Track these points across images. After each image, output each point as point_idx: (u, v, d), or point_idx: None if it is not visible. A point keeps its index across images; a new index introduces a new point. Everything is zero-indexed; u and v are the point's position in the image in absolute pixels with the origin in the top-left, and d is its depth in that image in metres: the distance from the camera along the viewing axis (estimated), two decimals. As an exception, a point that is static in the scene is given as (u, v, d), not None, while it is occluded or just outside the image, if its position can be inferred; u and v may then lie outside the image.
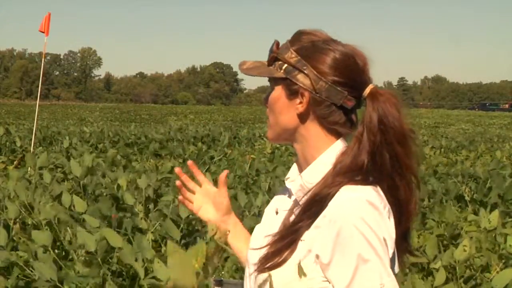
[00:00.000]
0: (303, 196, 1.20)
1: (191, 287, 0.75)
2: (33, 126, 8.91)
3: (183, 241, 3.19)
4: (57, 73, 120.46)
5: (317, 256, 1.11)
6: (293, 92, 1.22)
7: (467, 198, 4.97)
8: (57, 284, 2.69)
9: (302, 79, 1.21)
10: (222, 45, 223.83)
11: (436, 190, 5.39)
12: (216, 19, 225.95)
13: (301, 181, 1.23)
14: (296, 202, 1.23)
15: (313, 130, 1.22)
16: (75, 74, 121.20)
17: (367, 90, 1.24)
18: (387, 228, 1.10)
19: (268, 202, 1.43)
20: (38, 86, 7.99)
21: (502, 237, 3.50)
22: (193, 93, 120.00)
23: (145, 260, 2.87)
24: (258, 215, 3.71)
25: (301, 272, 0.97)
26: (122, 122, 25.58)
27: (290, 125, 1.24)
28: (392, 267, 1.12)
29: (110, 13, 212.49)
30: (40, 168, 6.05)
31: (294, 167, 1.31)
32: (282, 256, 1.14)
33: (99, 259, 2.78)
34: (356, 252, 1.06)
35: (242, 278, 1.34)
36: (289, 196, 1.28)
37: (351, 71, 1.22)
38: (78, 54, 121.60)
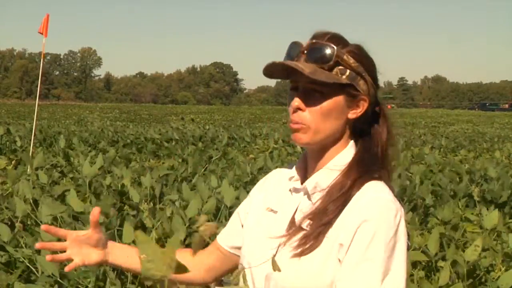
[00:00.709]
0: (318, 195, 1.22)
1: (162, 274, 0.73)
2: (32, 126, 8.91)
3: (187, 241, 3.19)
4: (57, 73, 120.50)
5: (340, 245, 1.13)
6: (353, 99, 1.21)
7: (476, 198, 4.96)
8: (58, 280, 2.70)
9: (362, 86, 1.21)
10: (222, 45, 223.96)
11: (444, 188, 5.39)
12: (216, 19, 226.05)
13: (317, 178, 1.23)
14: (309, 199, 1.24)
15: (348, 133, 1.26)
16: (75, 74, 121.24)
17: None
18: (405, 230, 1.16)
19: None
20: (37, 86, 7.99)
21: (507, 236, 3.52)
22: (193, 93, 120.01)
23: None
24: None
25: (275, 266, 0.99)
26: (122, 122, 25.59)
27: (339, 130, 1.23)
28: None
29: (110, 13, 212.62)
30: (37, 168, 6.06)
31: (297, 167, 1.31)
32: (306, 246, 1.15)
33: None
34: (377, 255, 1.10)
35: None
36: (292, 195, 1.27)
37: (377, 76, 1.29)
38: (78, 54, 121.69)
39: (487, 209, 4.81)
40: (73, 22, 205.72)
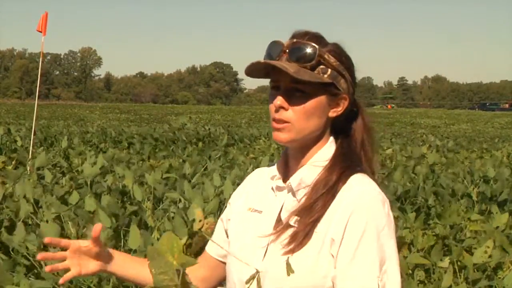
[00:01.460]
0: (302, 191, 1.23)
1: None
2: (32, 125, 8.90)
3: (188, 241, 3.18)
4: (57, 72, 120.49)
5: (332, 240, 1.15)
6: (334, 97, 1.22)
7: (474, 198, 4.96)
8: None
9: (343, 84, 1.23)
10: (222, 45, 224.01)
11: (444, 188, 5.39)
12: (216, 19, 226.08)
13: (301, 175, 1.24)
14: (293, 196, 1.24)
15: (328, 131, 1.27)
16: (75, 73, 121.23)
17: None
18: (393, 220, 1.19)
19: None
20: (37, 86, 7.98)
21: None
22: (193, 93, 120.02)
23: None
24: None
25: (289, 269, 0.99)
26: (122, 121, 25.58)
27: (320, 128, 1.24)
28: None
29: (110, 13, 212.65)
30: (38, 168, 6.05)
31: (277, 166, 1.31)
32: (297, 242, 1.16)
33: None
34: (371, 246, 1.12)
35: None
36: (275, 194, 1.28)
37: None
38: (78, 54, 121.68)
39: (487, 209, 4.80)
40: (73, 22, 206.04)
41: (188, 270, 1.38)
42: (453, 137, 19.49)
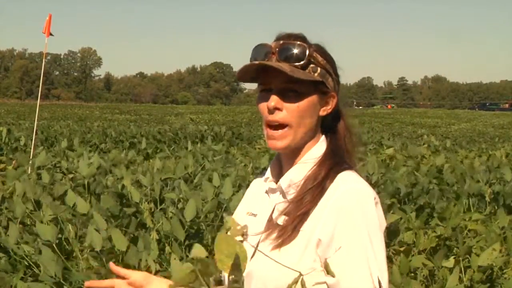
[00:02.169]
0: (293, 191, 1.23)
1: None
2: (33, 126, 8.90)
3: (187, 242, 3.17)
4: (57, 73, 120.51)
5: (319, 241, 1.15)
6: (324, 96, 1.24)
7: (487, 198, 4.94)
8: (61, 281, 2.68)
9: (331, 83, 1.25)
10: (222, 45, 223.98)
11: (449, 188, 5.37)
12: (216, 19, 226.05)
13: (291, 175, 1.25)
14: (284, 197, 1.25)
15: (318, 130, 1.28)
16: (75, 74, 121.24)
17: None
18: (383, 217, 1.19)
19: None
20: (38, 86, 8.02)
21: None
22: (193, 93, 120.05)
23: (148, 261, 2.86)
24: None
25: (331, 272, 1.00)
26: (122, 122, 25.57)
27: (312, 128, 1.25)
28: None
29: (110, 13, 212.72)
30: (39, 168, 6.05)
31: (271, 169, 1.32)
32: (284, 237, 1.17)
33: (104, 259, 2.78)
34: (360, 244, 1.12)
35: None
36: (269, 196, 1.30)
37: None
38: (78, 54, 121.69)
39: (485, 209, 4.79)
40: (73, 22, 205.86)
41: None
42: (453, 137, 19.49)
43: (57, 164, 7.22)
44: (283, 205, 1.24)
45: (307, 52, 1.19)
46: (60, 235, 3.31)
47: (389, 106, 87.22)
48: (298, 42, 1.21)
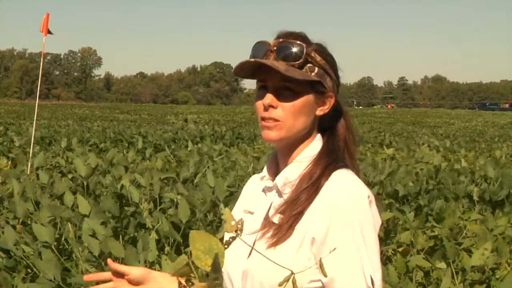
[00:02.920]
0: (288, 189, 1.24)
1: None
2: (33, 126, 8.89)
3: (185, 243, 3.16)
4: (57, 73, 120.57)
5: (313, 239, 1.15)
6: (321, 96, 1.24)
7: (475, 198, 4.94)
8: (61, 284, 2.67)
9: (329, 83, 1.24)
10: (222, 45, 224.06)
11: (446, 188, 5.37)
12: (217, 19, 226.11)
13: (286, 173, 1.26)
14: (280, 196, 1.26)
15: (315, 129, 1.28)
16: (75, 74, 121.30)
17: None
18: (378, 215, 1.19)
19: None
20: (38, 86, 7.98)
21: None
22: (193, 93, 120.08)
23: (147, 262, 2.86)
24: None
25: (324, 271, 1.00)
26: (122, 121, 25.57)
27: (308, 126, 1.25)
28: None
29: (110, 13, 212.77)
30: (37, 168, 6.04)
31: (268, 167, 1.33)
32: (279, 235, 1.17)
33: (102, 263, 2.78)
34: (353, 242, 1.12)
35: None
36: (266, 195, 1.30)
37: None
38: (78, 54, 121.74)
39: (484, 210, 4.78)
40: (73, 22, 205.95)
41: None
42: (453, 137, 19.48)
43: (56, 164, 7.22)
44: (279, 203, 1.24)
45: (305, 51, 1.20)
46: (59, 236, 3.30)
47: (389, 106, 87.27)
48: (297, 41, 1.21)
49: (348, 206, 1.14)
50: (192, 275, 0.77)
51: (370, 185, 5.01)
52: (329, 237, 1.13)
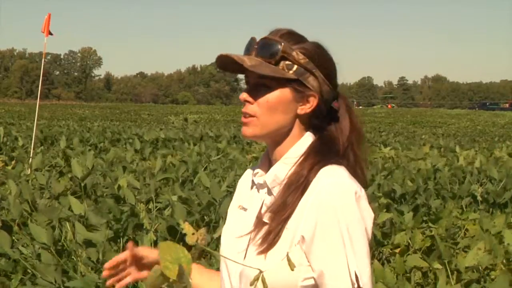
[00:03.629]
0: (278, 187, 1.24)
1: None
2: (33, 125, 8.90)
3: (181, 243, 3.17)
4: (57, 72, 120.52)
5: (302, 238, 1.15)
6: (301, 94, 1.22)
7: (479, 198, 4.94)
8: (61, 287, 2.67)
9: (312, 82, 1.23)
10: (223, 45, 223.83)
11: (444, 188, 5.37)
12: (217, 19, 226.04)
13: (275, 171, 1.25)
14: (269, 194, 1.26)
15: (301, 128, 1.27)
16: (75, 74, 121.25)
17: (339, 92, 1.31)
18: (368, 210, 1.17)
19: None
20: (38, 86, 7.98)
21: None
22: (193, 93, 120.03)
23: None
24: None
25: (291, 264, 1.00)
26: (122, 121, 25.58)
27: (287, 125, 1.24)
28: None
29: (111, 13, 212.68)
30: (37, 169, 6.03)
31: (260, 165, 1.33)
32: (271, 235, 1.17)
33: (101, 267, 2.78)
34: (339, 238, 1.12)
35: None
36: (258, 191, 1.30)
37: (336, 74, 1.29)
38: (78, 54, 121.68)
39: (489, 210, 4.78)
40: (73, 22, 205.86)
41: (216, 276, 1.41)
42: (453, 137, 19.48)
43: (56, 164, 7.22)
44: (269, 201, 1.24)
45: (281, 48, 1.20)
46: (58, 237, 3.29)
47: (389, 106, 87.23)
48: (275, 39, 1.21)
49: (333, 202, 1.13)
50: (165, 285, 0.79)
51: (367, 184, 5.00)
52: (317, 234, 1.13)
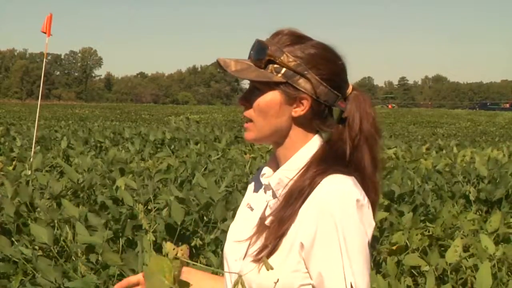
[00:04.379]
0: (282, 190, 1.23)
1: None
2: (33, 126, 8.91)
3: (179, 243, 3.17)
4: (58, 73, 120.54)
5: (302, 244, 1.14)
6: (292, 97, 1.20)
7: (471, 197, 4.94)
8: (61, 287, 2.68)
9: (303, 84, 1.20)
10: (223, 45, 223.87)
11: (441, 188, 5.38)
12: (217, 19, 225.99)
13: (280, 175, 1.24)
14: (274, 197, 1.25)
15: (301, 131, 1.24)
16: (76, 74, 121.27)
17: (349, 90, 1.28)
18: (369, 219, 1.16)
19: None
20: (39, 86, 8.02)
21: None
22: (193, 93, 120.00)
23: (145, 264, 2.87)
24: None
25: (268, 266, 1.00)
26: (122, 122, 25.58)
27: (283, 128, 1.23)
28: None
29: (111, 13, 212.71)
30: (37, 169, 6.04)
31: (268, 164, 1.33)
32: (268, 248, 1.16)
33: (101, 269, 2.79)
34: (336, 247, 1.11)
35: None
36: (265, 192, 1.30)
37: (342, 73, 1.26)
38: (79, 54, 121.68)
39: (481, 210, 4.79)
40: (73, 22, 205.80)
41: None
42: (454, 137, 19.47)
43: (56, 164, 7.23)
44: (274, 204, 1.24)
45: (267, 52, 1.19)
46: (57, 238, 3.30)
47: (389, 106, 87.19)
48: (265, 41, 1.21)
49: (333, 209, 1.11)
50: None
51: (377, 189, 4.97)
52: (316, 241, 1.12)
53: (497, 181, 5.84)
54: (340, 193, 1.13)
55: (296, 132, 1.24)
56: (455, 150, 11.19)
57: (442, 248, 3.52)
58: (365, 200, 1.15)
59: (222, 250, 1.39)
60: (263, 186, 1.30)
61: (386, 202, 4.50)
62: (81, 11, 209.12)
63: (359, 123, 1.23)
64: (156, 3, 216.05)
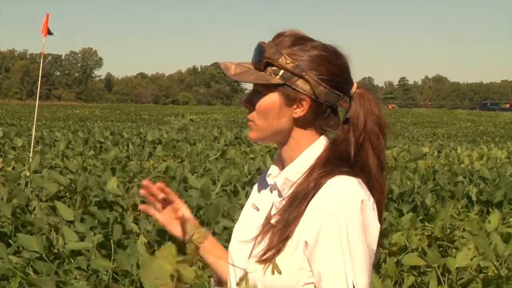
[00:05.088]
0: (288, 190, 1.24)
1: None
2: (33, 126, 8.90)
3: (175, 244, 3.15)
4: (58, 73, 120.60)
5: (306, 243, 1.15)
6: (291, 98, 1.22)
7: (474, 198, 4.93)
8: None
9: (302, 85, 1.21)
10: (223, 45, 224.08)
11: (443, 188, 5.36)
12: (217, 19, 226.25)
13: (286, 175, 1.25)
14: (280, 196, 1.26)
15: (304, 131, 1.26)
16: (76, 74, 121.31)
17: (353, 89, 1.27)
18: (374, 220, 1.16)
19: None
20: (38, 87, 7.99)
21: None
22: (193, 93, 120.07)
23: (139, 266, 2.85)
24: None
25: (277, 270, 0.99)
26: (123, 122, 25.58)
27: (284, 128, 1.25)
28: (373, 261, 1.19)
29: (111, 13, 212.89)
30: (36, 170, 6.02)
31: (274, 164, 1.34)
32: (274, 248, 1.17)
33: (91, 274, 2.77)
34: (339, 246, 1.12)
35: None
36: (271, 192, 1.30)
37: (344, 73, 1.26)
38: (79, 55, 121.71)
39: (483, 210, 4.77)
40: (74, 23, 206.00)
41: None
42: (454, 137, 19.47)
43: (55, 165, 7.22)
44: (279, 204, 1.24)
45: (264, 55, 1.21)
46: (51, 243, 3.27)
47: (390, 106, 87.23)
48: (267, 44, 1.23)
49: (336, 209, 1.13)
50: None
51: (383, 190, 4.96)
52: (319, 240, 1.13)
53: (496, 182, 5.82)
54: (345, 193, 1.14)
55: (300, 133, 1.26)
56: (459, 150, 11.18)
57: (441, 248, 3.51)
58: (370, 201, 1.16)
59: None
60: (269, 186, 1.31)
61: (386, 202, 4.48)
62: (81, 11, 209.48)
63: (363, 122, 1.23)
64: (156, 3, 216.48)
